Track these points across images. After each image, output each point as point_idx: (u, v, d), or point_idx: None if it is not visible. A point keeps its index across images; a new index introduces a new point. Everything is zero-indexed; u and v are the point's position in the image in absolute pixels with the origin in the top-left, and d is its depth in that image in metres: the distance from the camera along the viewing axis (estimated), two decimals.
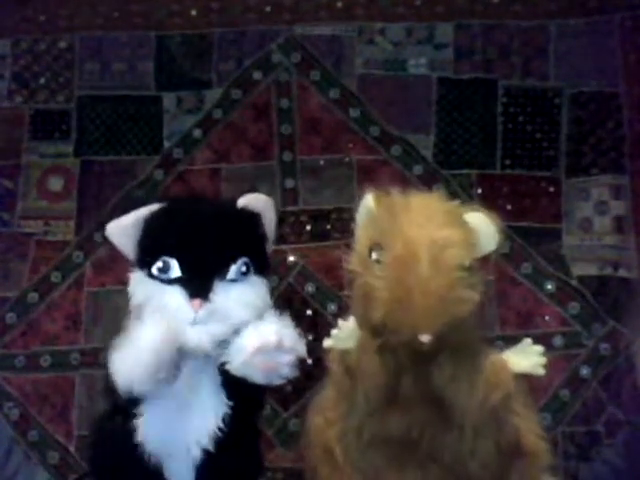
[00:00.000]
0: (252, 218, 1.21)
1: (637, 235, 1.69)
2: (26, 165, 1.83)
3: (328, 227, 1.76)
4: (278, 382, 1.12)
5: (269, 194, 1.76)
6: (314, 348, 1.72)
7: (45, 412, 1.69)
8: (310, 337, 1.69)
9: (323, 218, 1.77)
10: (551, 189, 1.74)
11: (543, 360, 1.07)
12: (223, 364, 1.11)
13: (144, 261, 1.15)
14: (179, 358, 1.09)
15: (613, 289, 1.67)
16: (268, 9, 1.85)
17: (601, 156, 1.73)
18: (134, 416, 1.14)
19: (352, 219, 1.75)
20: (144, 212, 1.18)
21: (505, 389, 1.05)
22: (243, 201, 1.22)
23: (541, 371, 1.07)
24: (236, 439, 1.16)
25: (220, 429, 1.14)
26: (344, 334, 1.08)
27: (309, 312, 1.72)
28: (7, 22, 1.89)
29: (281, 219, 1.78)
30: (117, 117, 1.85)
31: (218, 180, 1.80)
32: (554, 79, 1.78)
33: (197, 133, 1.82)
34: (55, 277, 1.76)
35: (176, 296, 1.10)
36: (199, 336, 1.09)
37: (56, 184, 1.82)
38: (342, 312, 1.70)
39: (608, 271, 1.68)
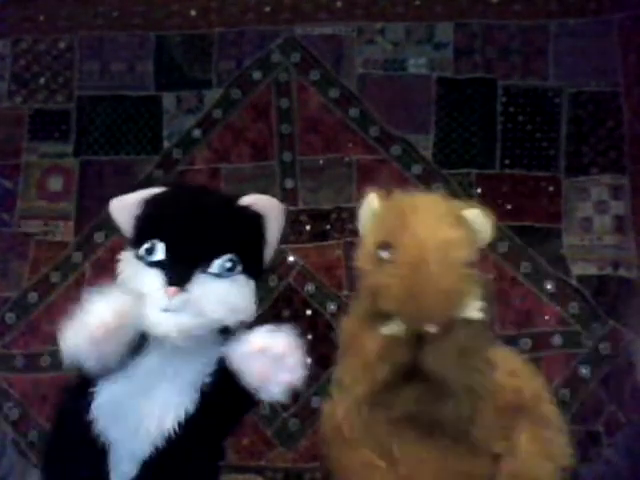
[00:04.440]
0: (251, 217, 1.19)
1: (637, 235, 1.69)
2: (26, 165, 1.83)
3: (328, 227, 1.76)
4: (264, 397, 1.08)
5: (269, 194, 1.79)
6: (314, 347, 1.72)
7: (45, 412, 1.69)
8: (310, 337, 1.70)
9: (323, 218, 1.77)
10: (551, 189, 1.74)
11: None
12: (222, 360, 1.09)
13: (136, 241, 1.15)
14: (138, 340, 1.09)
15: (613, 289, 1.67)
16: (268, 9, 1.85)
17: (601, 156, 1.73)
18: (90, 395, 1.11)
19: (352, 219, 1.80)
20: (147, 193, 1.19)
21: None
22: (248, 200, 1.21)
23: None
24: (190, 447, 1.11)
25: (175, 430, 1.09)
26: None
27: (309, 312, 1.72)
28: (7, 22, 1.89)
29: None
30: (117, 117, 1.85)
31: (218, 180, 1.79)
32: (554, 79, 1.78)
33: (197, 133, 1.82)
34: (55, 277, 1.76)
35: (153, 280, 1.09)
36: (167, 324, 1.07)
37: (56, 184, 1.82)
38: (341, 312, 1.71)
39: (608, 271, 1.68)
